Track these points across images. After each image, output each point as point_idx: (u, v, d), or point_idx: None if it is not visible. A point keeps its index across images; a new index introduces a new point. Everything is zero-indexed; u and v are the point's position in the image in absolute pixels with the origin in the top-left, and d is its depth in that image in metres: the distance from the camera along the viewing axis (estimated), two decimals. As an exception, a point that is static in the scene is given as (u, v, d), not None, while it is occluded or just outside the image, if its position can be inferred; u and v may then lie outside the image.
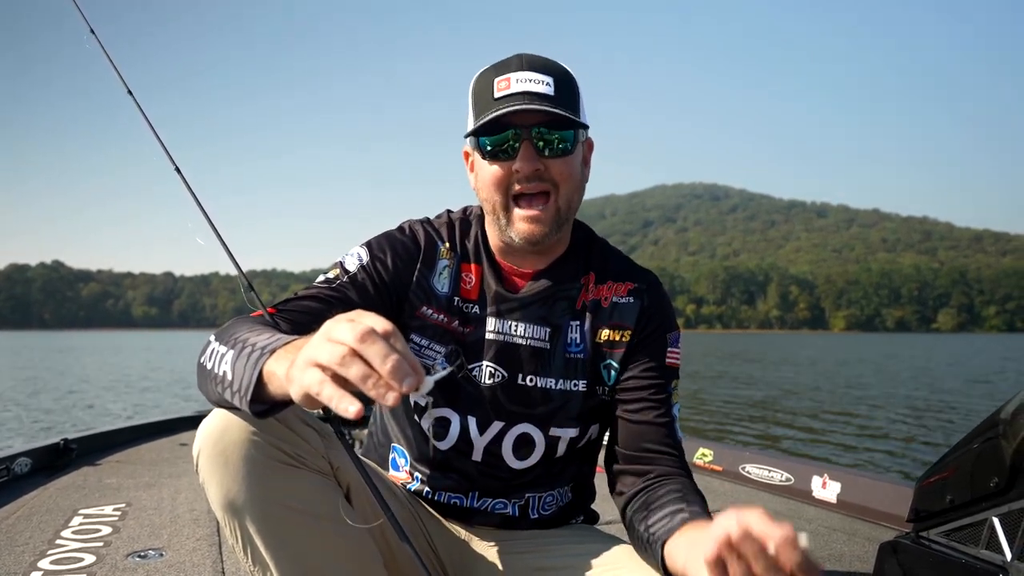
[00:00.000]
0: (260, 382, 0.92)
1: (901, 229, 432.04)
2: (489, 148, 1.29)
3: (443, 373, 0.86)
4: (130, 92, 1.50)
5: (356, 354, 0.76)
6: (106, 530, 2.51)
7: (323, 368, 0.78)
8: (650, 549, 1.19)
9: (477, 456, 1.40)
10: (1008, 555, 1.47)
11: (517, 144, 1.27)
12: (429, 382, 0.79)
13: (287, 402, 0.89)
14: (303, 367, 0.80)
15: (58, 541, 2.37)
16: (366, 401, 0.78)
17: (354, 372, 0.76)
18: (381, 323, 0.79)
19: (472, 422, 1.38)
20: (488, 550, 1.43)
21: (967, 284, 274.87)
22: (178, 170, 1.41)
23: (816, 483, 3.09)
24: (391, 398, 0.75)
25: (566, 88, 1.29)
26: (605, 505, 1.50)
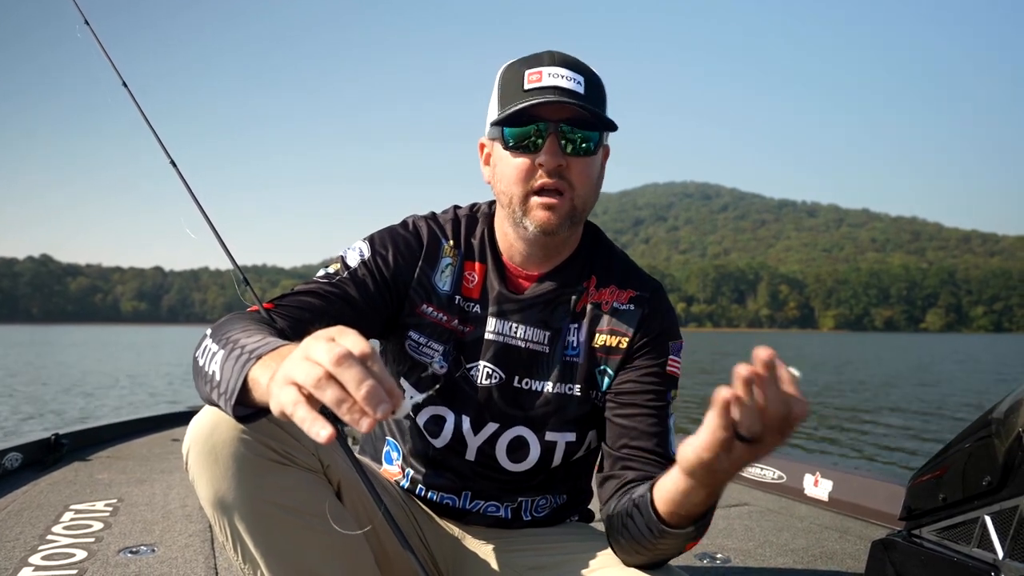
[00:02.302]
0: (245, 387, 0.91)
1: (890, 229, 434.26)
2: (512, 140, 1.28)
3: (421, 397, 0.86)
4: (125, 84, 1.48)
5: (332, 377, 0.75)
6: (97, 526, 2.50)
7: (299, 387, 0.77)
8: (638, 511, 1.16)
9: (471, 456, 1.39)
10: (1000, 553, 1.48)
11: (541, 139, 1.26)
12: (406, 407, 0.78)
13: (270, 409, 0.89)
14: (281, 383, 0.79)
15: (49, 537, 2.35)
16: (341, 423, 0.77)
17: (329, 396, 0.75)
18: (359, 344, 0.78)
19: (466, 421, 1.37)
20: (481, 547, 1.43)
21: (955, 284, 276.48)
22: (173, 163, 1.40)
23: (808, 481, 3.10)
24: (365, 424, 0.74)
25: (595, 89, 1.28)
26: (601, 504, 1.50)
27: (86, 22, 1.55)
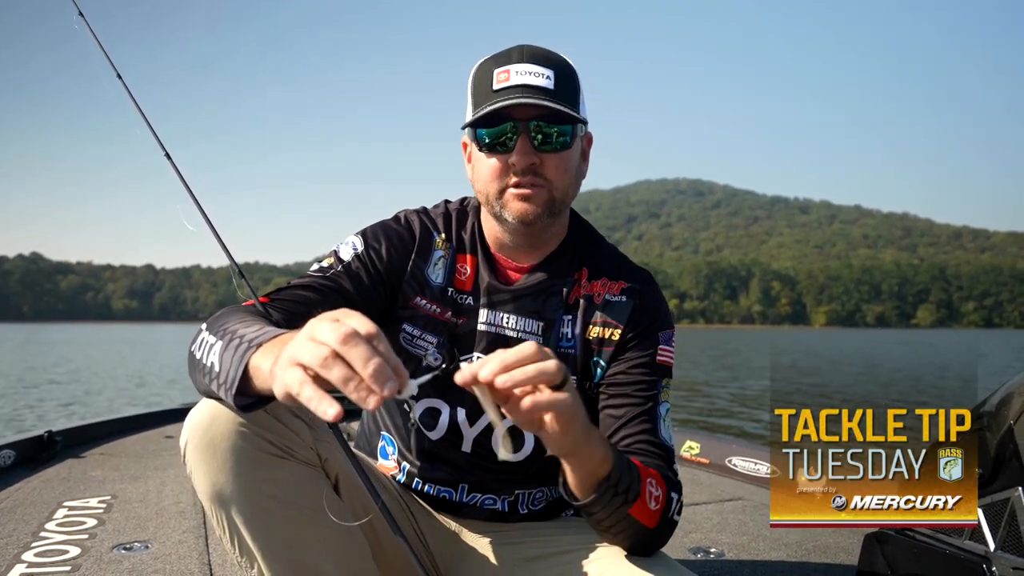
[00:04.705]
0: (246, 376, 0.91)
1: (882, 225, 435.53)
2: (487, 140, 1.29)
3: (426, 377, 0.86)
4: (119, 76, 1.48)
5: (338, 356, 0.76)
6: (91, 522, 2.49)
7: (305, 368, 0.78)
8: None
9: (467, 447, 1.40)
10: (991, 545, 1.49)
11: (515, 137, 1.26)
12: (412, 386, 0.79)
13: (272, 397, 0.88)
14: (285, 366, 0.80)
15: (42, 533, 2.35)
16: (347, 404, 0.77)
17: (335, 374, 0.75)
18: (365, 324, 0.78)
19: (461, 413, 1.38)
20: (478, 541, 1.43)
21: (946, 280, 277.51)
22: (168, 156, 1.39)
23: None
24: (372, 402, 0.75)
25: (566, 82, 1.28)
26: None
27: (80, 13, 1.54)
